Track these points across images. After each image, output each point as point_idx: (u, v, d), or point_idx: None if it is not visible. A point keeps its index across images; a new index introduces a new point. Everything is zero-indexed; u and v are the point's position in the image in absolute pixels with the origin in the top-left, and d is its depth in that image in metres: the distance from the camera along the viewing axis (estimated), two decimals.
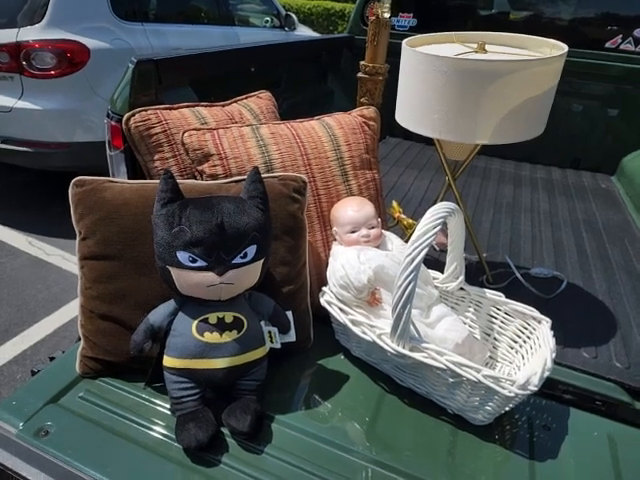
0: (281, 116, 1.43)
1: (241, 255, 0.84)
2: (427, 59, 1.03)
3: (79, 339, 1.02)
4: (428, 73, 1.03)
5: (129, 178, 1.22)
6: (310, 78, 2.40)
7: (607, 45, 2.19)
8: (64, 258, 2.51)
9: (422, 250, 0.85)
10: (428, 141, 2.41)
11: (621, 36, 2.16)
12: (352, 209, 1.11)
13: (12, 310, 2.14)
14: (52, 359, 1.06)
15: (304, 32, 4.54)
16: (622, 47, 2.17)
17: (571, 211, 1.98)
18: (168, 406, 0.92)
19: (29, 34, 2.39)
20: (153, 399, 0.95)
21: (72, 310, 2.16)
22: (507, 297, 1.09)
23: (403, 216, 1.68)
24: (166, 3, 3.22)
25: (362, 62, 1.54)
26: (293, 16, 4.14)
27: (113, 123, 1.18)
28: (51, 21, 2.43)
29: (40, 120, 2.50)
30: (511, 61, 1.01)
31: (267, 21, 4.03)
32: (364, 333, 0.96)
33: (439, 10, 2.51)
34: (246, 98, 1.36)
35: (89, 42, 2.51)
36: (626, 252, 1.68)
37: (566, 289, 1.42)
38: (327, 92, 2.55)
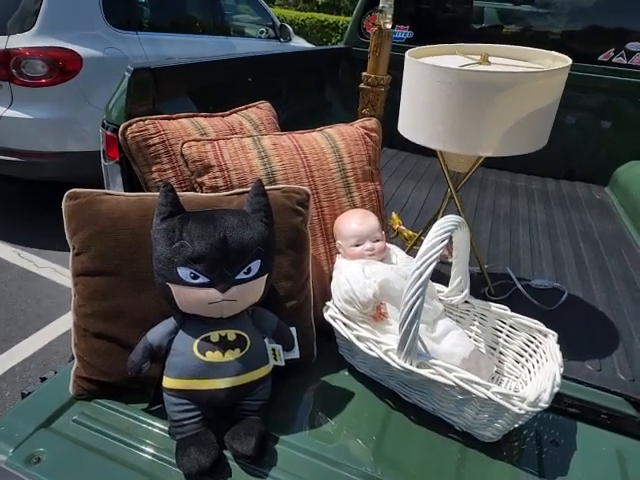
0: (280, 126, 1.41)
1: (245, 271, 0.81)
2: (431, 70, 1.02)
3: (72, 358, 0.98)
4: (432, 84, 1.02)
5: (125, 190, 1.18)
6: (308, 89, 2.39)
7: (600, 58, 2.22)
8: (55, 271, 2.45)
9: (430, 265, 0.83)
10: (425, 152, 2.40)
11: (613, 49, 2.19)
12: (356, 222, 1.09)
13: (0, 325, 2.07)
14: (43, 380, 1.01)
15: (299, 43, 4.56)
16: (615, 60, 2.20)
17: (567, 222, 1.99)
18: (167, 428, 0.88)
19: (19, 41, 2.35)
20: (151, 421, 0.91)
21: (63, 325, 2.10)
22: (510, 309, 1.07)
23: (403, 227, 1.68)
24: (161, 12, 3.21)
25: (364, 73, 1.53)
26: (288, 27, 4.15)
27: (108, 133, 1.15)
28: (42, 28, 2.39)
29: (30, 129, 2.45)
30: (517, 73, 1.00)
31: (262, 32, 4.04)
32: (370, 349, 0.93)
33: (435, 22, 2.53)
34: (246, 108, 1.34)
35: (81, 50, 2.47)
36: (623, 262, 1.68)
37: (567, 300, 1.41)
38: (325, 103, 2.55)
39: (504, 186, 2.33)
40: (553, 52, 1.16)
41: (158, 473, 0.82)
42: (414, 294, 0.84)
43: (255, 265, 0.82)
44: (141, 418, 0.91)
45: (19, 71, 2.35)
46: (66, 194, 0.94)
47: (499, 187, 2.30)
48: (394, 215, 1.69)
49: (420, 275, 0.83)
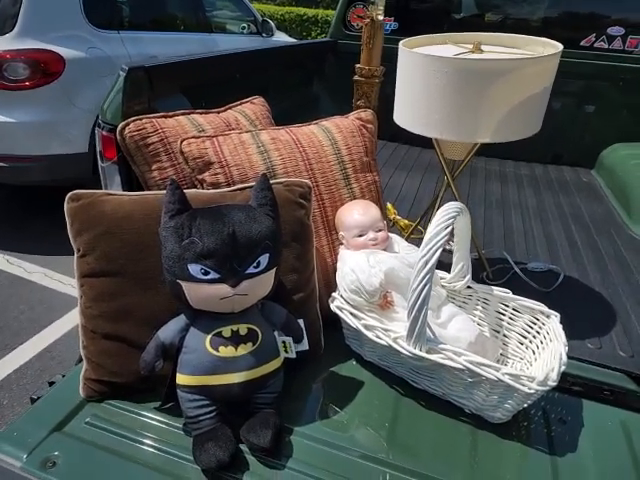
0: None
1: (254, 265, 0.82)
2: (427, 60, 1.03)
3: (80, 360, 0.97)
4: (428, 74, 1.03)
5: (124, 189, 1.17)
6: (296, 83, 2.39)
7: (582, 43, 2.26)
8: (46, 275, 2.41)
9: (436, 251, 0.84)
10: (414, 142, 2.43)
11: (595, 34, 2.23)
12: (358, 212, 1.10)
13: None
14: (52, 384, 1.00)
15: (281, 38, 4.53)
16: (596, 45, 2.24)
17: (557, 205, 2.03)
18: (181, 425, 0.89)
19: None
20: (164, 419, 0.91)
21: (58, 329, 2.07)
22: (511, 292, 1.10)
23: (399, 217, 1.69)
24: (142, 11, 3.15)
25: (357, 65, 1.54)
26: (270, 22, 4.12)
27: (104, 133, 1.14)
28: (22, 31, 2.33)
29: (15, 133, 2.40)
30: (513, 60, 1.02)
31: (244, 27, 4.00)
32: (379, 338, 0.94)
33: (419, 14, 2.54)
34: (240, 104, 1.34)
35: (63, 51, 2.42)
36: (614, 242, 1.73)
37: (563, 282, 1.44)
38: (313, 97, 2.55)
39: (494, 173, 2.36)
40: (543, 39, 1.18)
41: (175, 470, 0.82)
42: (422, 281, 0.85)
43: (264, 259, 0.83)
44: (154, 416, 0.91)
45: (0, 74, 2.29)
46: (68, 196, 0.92)
47: (489, 174, 2.34)
48: (389, 205, 1.70)
49: (427, 262, 0.84)
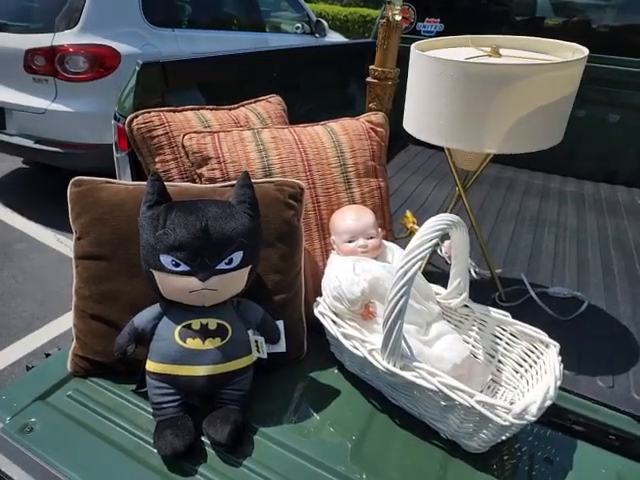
0: (298, 121, 1.40)
1: (226, 261, 0.82)
2: (433, 63, 0.98)
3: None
4: (435, 77, 0.98)
5: (134, 180, 1.23)
6: (329, 83, 2.38)
7: None
8: None
9: (416, 263, 0.80)
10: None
11: None
12: (350, 218, 1.07)
13: (36, 305, 2.22)
14: (47, 355, 1.07)
15: (334, 38, 4.54)
16: None
17: (600, 228, 1.85)
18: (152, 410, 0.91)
19: (64, 38, 2.50)
20: (139, 402, 0.94)
21: None
22: (521, 316, 1.01)
23: (416, 227, 1.62)
24: (198, 9, 3.30)
25: (371, 66, 1.50)
26: (323, 22, 4.15)
27: (120, 125, 1.20)
28: (85, 26, 2.53)
29: (71, 122, 2.60)
30: (521, 65, 0.94)
31: (298, 27, 4.06)
32: (355, 348, 0.91)
33: (467, 15, 2.42)
34: (255, 102, 1.35)
35: (120, 47, 2.59)
36: None
37: (586, 311, 1.31)
38: (348, 97, 2.52)
39: (535, 188, 2.20)
40: (574, 44, 1.07)
41: (138, 452, 0.85)
42: (398, 292, 0.81)
43: (237, 256, 0.83)
44: (129, 398, 0.94)
45: (63, 67, 2.50)
46: (71, 181, 0.98)
47: (529, 189, 2.18)
48: (408, 213, 1.64)
49: (405, 273, 0.80)
